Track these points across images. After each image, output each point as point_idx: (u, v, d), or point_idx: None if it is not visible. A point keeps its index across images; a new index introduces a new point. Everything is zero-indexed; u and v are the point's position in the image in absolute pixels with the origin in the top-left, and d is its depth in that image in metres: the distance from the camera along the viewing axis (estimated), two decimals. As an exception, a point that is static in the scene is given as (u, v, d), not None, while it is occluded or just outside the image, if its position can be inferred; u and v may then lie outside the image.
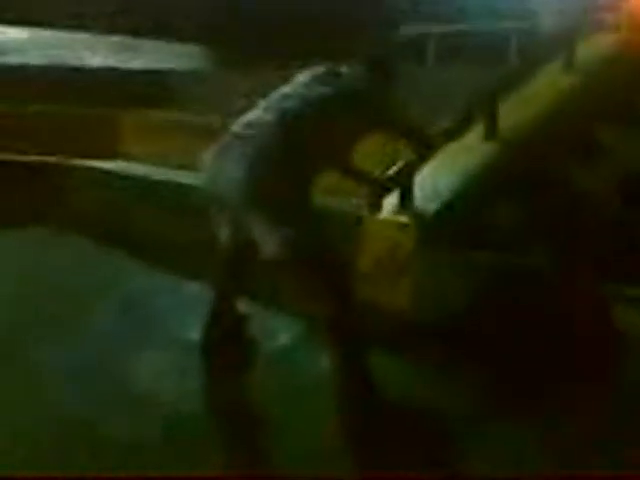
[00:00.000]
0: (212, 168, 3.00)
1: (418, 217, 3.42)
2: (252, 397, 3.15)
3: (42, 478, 2.38)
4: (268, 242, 2.83)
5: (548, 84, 4.13)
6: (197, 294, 3.84)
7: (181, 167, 5.22)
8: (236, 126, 3.00)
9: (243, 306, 3.38)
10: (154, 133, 6.23)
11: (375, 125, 3.19)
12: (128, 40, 8.32)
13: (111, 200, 5.38)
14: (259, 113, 3.00)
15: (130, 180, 5.49)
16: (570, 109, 3.99)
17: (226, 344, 3.31)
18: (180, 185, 4.89)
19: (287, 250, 2.80)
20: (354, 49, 3.35)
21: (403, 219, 3.42)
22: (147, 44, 8.30)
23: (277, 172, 2.85)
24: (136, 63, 7.85)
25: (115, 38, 8.33)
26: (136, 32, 8.25)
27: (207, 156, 3.01)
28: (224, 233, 3.14)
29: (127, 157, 6.09)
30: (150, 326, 3.73)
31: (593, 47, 4.30)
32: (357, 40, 5.93)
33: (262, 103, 3.05)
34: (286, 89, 3.08)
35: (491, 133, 3.83)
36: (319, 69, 3.16)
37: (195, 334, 3.36)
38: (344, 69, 3.18)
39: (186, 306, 3.94)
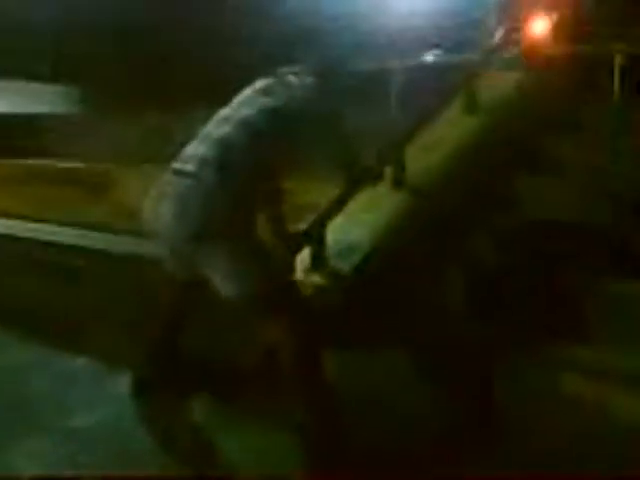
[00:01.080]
0: (153, 208, 2.86)
1: (332, 277, 3.16)
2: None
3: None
4: (223, 281, 2.73)
5: (450, 126, 3.97)
6: (79, 369, 3.48)
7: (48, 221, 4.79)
8: (175, 162, 2.86)
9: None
10: (18, 183, 5.74)
11: (318, 141, 2.97)
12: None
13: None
14: (196, 145, 2.87)
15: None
16: (474, 154, 3.85)
17: (159, 389, 3.14)
18: (63, 245, 4.42)
19: (245, 287, 2.71)
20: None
21: (316, 279, 3.14)
22: (10, 86, 7.76)
23: (218, 208, 2.72)
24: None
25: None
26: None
27: (150, 195, 2.88)
28: (168, 274, 2.99)
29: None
30: (24, 410, 3.27)
31: (494, 87, 4.18)
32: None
33: (201, 132, 2.91)
34: (224, 111, 2.94)
35: (399, 181, 3.63)
36: (263, 81, 3.01)
37: (79, 420, 3.05)
38: (290, 79, 2.99)
39: (66, 385, 3.50)
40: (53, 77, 7.80)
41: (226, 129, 2.83)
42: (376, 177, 3.45)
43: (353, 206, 3.42)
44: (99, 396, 3.35)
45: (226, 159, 2.75)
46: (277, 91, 2.94)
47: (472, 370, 3.14)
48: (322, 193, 3.51)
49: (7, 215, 5.40)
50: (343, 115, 3.07)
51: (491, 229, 3.65)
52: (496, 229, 3.65)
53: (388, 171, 3.62)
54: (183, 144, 2.97)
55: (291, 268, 3.15)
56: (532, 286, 3.38)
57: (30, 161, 6.13)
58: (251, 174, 2.78)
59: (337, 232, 3.33)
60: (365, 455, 2.67)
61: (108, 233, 4.82)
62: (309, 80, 3.00)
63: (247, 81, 3.06)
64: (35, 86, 7.75)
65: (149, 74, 7.50)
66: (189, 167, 2.78)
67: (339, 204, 3.30)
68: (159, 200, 2.83)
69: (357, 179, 3.30)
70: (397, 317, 3.27)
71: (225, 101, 3.00)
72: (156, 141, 5.77)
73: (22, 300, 4.33)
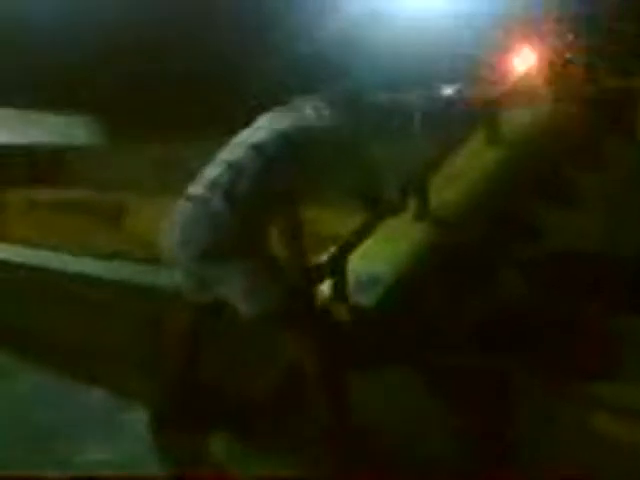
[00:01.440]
0: (167, 233, 2.87)
1: (353, 310, 3.09)
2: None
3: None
4: (240, 300, 2.72)
5: (473, 159, 3.91)
6: (97, 403, 3.40)
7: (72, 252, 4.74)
8: (191, 188, 2.86)
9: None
10: (42, 213, 5.73)
11: (333, 171, 2.95)
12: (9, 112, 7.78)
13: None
14: (209, 170, 2.86)
15: (12, 267, 4.90)
16: (497, 186, 3.78)
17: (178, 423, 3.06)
18: (77, 275, 4.37)
19: (263, 304, 2.70)
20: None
21: (336, 312, 3.08)
22: (34, 116, 7.78)
23: (224, 228, 2.72)
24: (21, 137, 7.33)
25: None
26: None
27: (165, 221, 2.89)
28: (186, 297, 2.95)
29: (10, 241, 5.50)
30: (40, 443, 3.20)
31: (517, 118, 4.13)
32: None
33: (217, 158, 2.90)
34: (240, 136, 2.94)
35: (422, 213, 3.57)
36: (281, 108, 3.00)
37: (92, 454, 2.99)
38: (308, 108, 2.96)
39: (80, 418, 3.43)
40: (69, 107, 7.82)
41: (238, 153, 2.83)
42: (399, 208, 3.41)
43: (375, 237, 3.35)
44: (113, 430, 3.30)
45: (235, 183, 2.74)
46: (293, 118, 2.91)
47: (492, 404, 3.05)
48: (343, 223, 3.47)
49: (25, 244, 5.39)
50: (362, 146, 3.03)
51: (515, 261, 3.58)
52: (520, 261, 3.58)
53: (411, 202, 3.56)
54: (198, 174, 2.94)
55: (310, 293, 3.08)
56: (557, 319, 3.30)
57: (48, 190, 6.12)
58: (260, 199, 2.77)
59: (359, 264, 3.26)
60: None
61: (123, 262, 4.78)
62: (326, 110, 2.96)
63: (264, 109, 3.04)
64: (52, 117, 7.78)
65: (163, 103, 7.50)
66: (199, 190, 2.79)
67: (361, 235, 3.24)
68: (171, 226, 2.85)
69: (380, 210, 3.27)
70: (419, 350, 3.20)
71: (241, 129, 2.98)
72: (171, 171, 5.77)
73: (36, 329, 4.28)
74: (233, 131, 2.99)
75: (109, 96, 7.57)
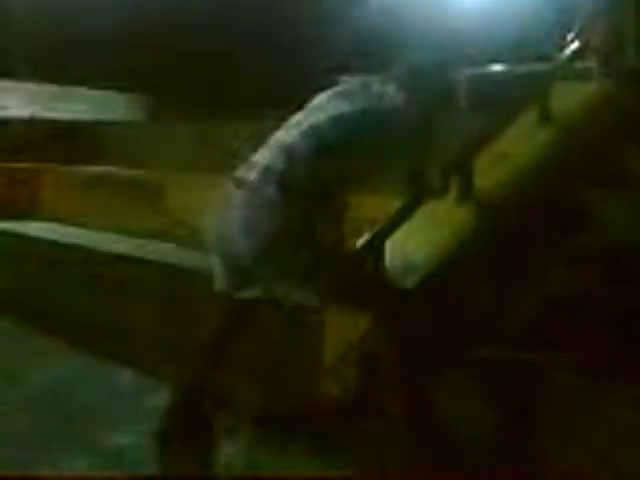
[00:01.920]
0: (217, 224, 2.74)
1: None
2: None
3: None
4: (303, 289, 2.59)
5: (523, 139, 3.69)
6: (129, 384, 3.31)
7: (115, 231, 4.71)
8: (239, 170, 2.72)
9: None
10: (80, 190, 5.70)
11: (397, 154, 2.78)
12: (54, 88, 7.79)
13: (26, 271, 4.74)
14: (262, 152, 2.71)
15: (50, 246, 4.88)
16: (551, 168, 3.55)
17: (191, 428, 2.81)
18: (115, 256, 4.32)
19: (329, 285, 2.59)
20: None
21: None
22: (75, 91, 7.79)
23: (282, 224, 2.56)
24: (62, 113, 7.34)
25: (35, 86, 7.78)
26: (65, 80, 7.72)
27: (214, 208, 2.77)
28: (225, 294, 2.76)
29: (48, 218, 5.49)
30: (73, 424, 3.15)
31: (571, 96, 3.89)
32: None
33: (271, 138, 2.75)
34: (296, 117, 2.76)
35: (465, 195, 3.37)
36: (342, 86, 2.82)
37: (120, 436, 2.96)
38: (372, 86, 2.78)
39: (116, 400, 3.38)
40: (115, 85, 7.81)
41: (294, 136, 2.65)
42: (441, 191, 3.23)
43: (414, 222, 3.18)
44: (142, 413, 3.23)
45: (290, 169, 2.57)
46: (356, 97, 2.72)
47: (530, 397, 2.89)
48: (377, 206, 3.33)
49: (66, 222, 5.38)
50: (424, 128, 2.86)
51: (565, 249, 3.37)
52: (570, 249, 3.37)
53: (454, 184, 3.38)
54: (242, 153, 2.82)
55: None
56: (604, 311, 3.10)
57: (92, 168, 6.09)
58: (317, 186, 2.59)
59: (396, 250, 3.09)
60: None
61: (164, 243, 4.73)
62: (392, 89, 2.78)
63: (319, 89, 2.87)
64: (97, 93, 7.78)
65: (212, 80, 7.42)
66: (251, 176, 2.63)
67: (399, 220, 3.07)
68: (224, 214, 2.70)
69: (421, 193, 3.10)
70: (459, 339, 3.04)
71: (293, 110, 2.81)
72: (208, 149, 5.69)
73: (70, 310, 4.25)
74: (277, 110, 2.86)
75: (148, 74, 7.55)
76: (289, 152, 2.60)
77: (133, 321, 3.92)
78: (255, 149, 2.76)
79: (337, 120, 2.64)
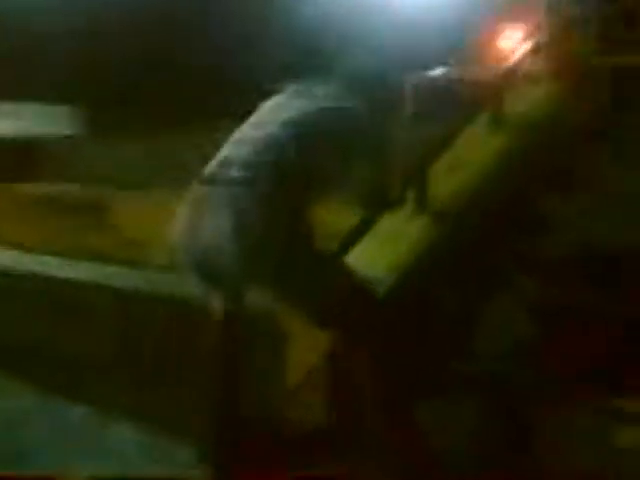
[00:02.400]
0: (190, 229, 2.48)
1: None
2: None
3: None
4: (294, 300, 2.47)
5: (475, 146, 3.66)
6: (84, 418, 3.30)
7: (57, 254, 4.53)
8: (211, 168, 2.52)
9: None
10: (21, 209, 5.50)
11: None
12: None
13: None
14: (232, 149, 2.53)
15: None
16: (506, 174, 3.53)
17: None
18: (62, 280, 4.14)
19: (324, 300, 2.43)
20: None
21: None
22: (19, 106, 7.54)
23: (278, 217, 2.38)
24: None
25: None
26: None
27: (180, 215, 2.51)
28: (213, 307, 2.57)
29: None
30: (23, 462, 3.02)
31: (521, 101, 3.87)
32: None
33: (231, 139, 2.58)
34: (258, 116, 2.62)
35: (421, 205, 3.32)
36: (294, 87, 2.69)
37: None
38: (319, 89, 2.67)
39: (70, 435, 3.23)
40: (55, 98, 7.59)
41: (270, 130, 2.49)
42: (398, 201, 3.17)
43: (372, 236, 3.12)
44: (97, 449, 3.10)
45: (278, 160, 2.42)
46: (309, 98, 2.62)
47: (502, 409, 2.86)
48: (337, 221, 3.25)
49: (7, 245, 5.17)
50: (379, 135, 2.74)
51: (523, 256, 3.34)
52: (528, 256, 3.34)
53: (409, 195, 3.32)
54: (190, 166, 2.67)
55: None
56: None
57: (33, 185, 5.89)
58: (306, 177, 2.46)
59: (357, 264, 3.01)
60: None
61: (115, 266, 4.57)
62: (337, 92, 2.67)
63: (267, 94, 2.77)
64: (36, 107, 7.53)
65: (148, 94, 7.28)
66: (234, 173, 2.43)
67: (357, 234, 3.00)
68: (198, 217, 2.46)
69: (378, 204, 3.02)
70: (422, 355, 2.98)
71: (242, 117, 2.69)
72: (157, 164, 5.54)
73: (17, 339, 4.06)
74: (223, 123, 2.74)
75: (93, 87, 7.35)
76: (272, 143, 2.45)
77: (86, 350, 3.76)
78: (206, 160, 2.59)
79: (308, 116, 2.54)
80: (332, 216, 3.15)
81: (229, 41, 7.78)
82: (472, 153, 3.59)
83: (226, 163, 2.49)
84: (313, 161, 2.48)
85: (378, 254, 3.13)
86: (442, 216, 3.30)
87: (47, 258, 4.65)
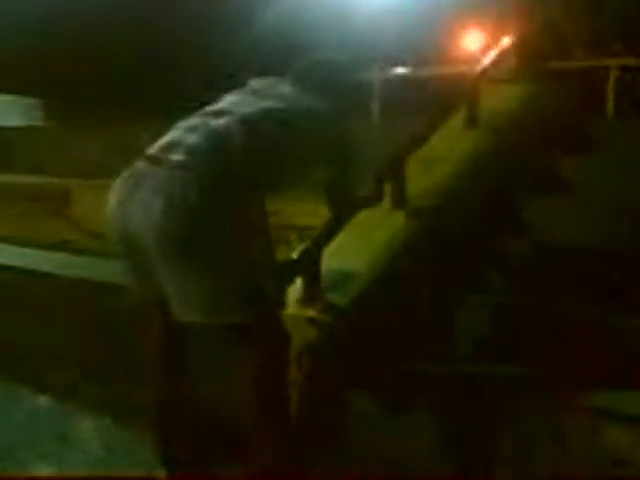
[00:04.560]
0: (122, 202, 2.38)
1: (327, 310, 2.77)
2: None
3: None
4: (193, 300, 2.34)
5: (452, 142, 3.62)
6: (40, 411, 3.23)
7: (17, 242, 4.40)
8: (152, 149, 2.45)
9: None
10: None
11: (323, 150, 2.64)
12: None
13: None
14: (180, 134, 2.45)
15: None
16: (482, 172, 3.49)
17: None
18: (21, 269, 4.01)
19: (227, 310, 2.35)
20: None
21: (310, 312, 2.76)
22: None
23: (214, 202, 2.30)
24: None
25: None
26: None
27: (115, 188, 2.42)
28: (144, 290, 2.52)
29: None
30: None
31: (495, 99, 3.85)
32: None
33: (182, 124, 2.52)
34: (214, 107, 2.57)
35: (399, 202, 3.27)
36: (257, 83, 2.68)
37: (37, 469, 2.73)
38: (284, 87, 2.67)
39: (25, 429, 3.12)
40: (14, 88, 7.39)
41: (223, 122, 2.45)
42: (375, 199, 3.12)
43: (349, 230, 3.04)
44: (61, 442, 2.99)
45: (226, 150, 2.37)
46: (272, 97, 2.59)
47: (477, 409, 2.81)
48: (300, 213, 3.17)
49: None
50: (344, 133, 2.72)
51: (499, 253, 3.31)
52: (504, 253, 3.31)
53: (387, 190, 3.26)
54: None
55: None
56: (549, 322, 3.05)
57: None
58: (252, 174, 2.41)
59: (331, 260, 2.94)
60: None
61: (73, 254, 4.44)
62: (297, 89, 2.67)
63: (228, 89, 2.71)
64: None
65: (111, 86, 7.14)
66: (176, 156, 2.36)
67: (334, 228, 2.93)
68: (131, 192, 2.36)
69: (355, 201, 2.98)
70: (398, 352, 2.93)
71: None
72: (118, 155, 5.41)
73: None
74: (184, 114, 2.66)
75: (54, 78, 7.17)
76: (222, 135, 2.41)
77: (45, 340, 3.64)
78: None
79: (267, 113, 2.50)
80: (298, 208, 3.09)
81: (195, 35, 7.68)
82: (447, 151, 3.55)
83: (170, 146, 2.43)
84: (262, 160, 2.44)
85: (355, 247, 3.07)
86: (419, 211, 3.24)
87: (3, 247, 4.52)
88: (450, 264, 3.13)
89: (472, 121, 3.70)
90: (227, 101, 2.62)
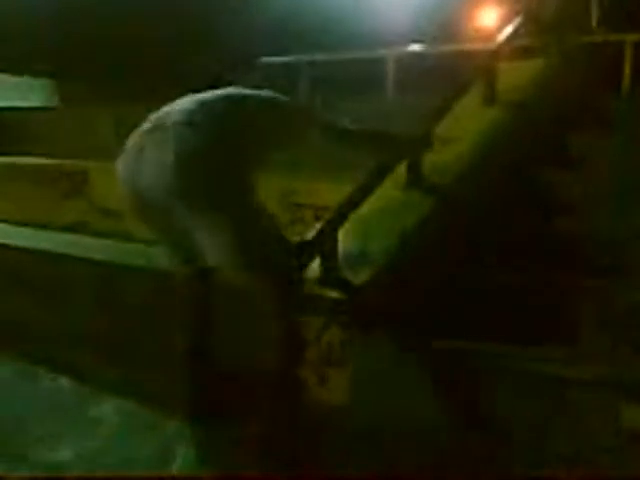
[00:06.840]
0: (130, 167, 2.54)
1: (345, 290, 2.79)
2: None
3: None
4: (210, 246, 2.48)
5: (468, 119, 3.59)
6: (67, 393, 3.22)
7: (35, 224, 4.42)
8: (153, 117, 2.59)
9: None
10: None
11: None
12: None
13: None
14: (172, 105, 2.62)
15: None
16: (497, 148, 3.47)
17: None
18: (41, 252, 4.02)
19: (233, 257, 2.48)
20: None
21: (331, 294, 2.77)
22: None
23: (217, 154, 2.48)
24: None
25: None
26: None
27: (121, 159, 2.58)
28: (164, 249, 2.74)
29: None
30: (4, 438, 2.94)
31: (515, 75, 3.80)
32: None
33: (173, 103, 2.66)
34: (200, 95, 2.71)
35: (415, 180, 3.26)
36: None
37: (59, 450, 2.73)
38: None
39: (53, 410, 3.14)
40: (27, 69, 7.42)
41: (209, 96, 2.64)
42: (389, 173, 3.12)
43: (366, 209, 3.05)
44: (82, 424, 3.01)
45: (219, 113, 2.57)
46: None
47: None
48: (319, 194, 3.17)
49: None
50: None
51: (516, 232, 3.30)
52: (522, 233, 3.30)
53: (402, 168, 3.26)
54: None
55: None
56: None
57: (7, 157, 5.72)
58: (243, 137, 2.58)
59: (348, 239, 2.96)
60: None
61: (93, 237, 4.45)
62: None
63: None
64: (12, 79, 7.35)
65: (128, 63, 7.15)
66: (176, 117, 2.50)
67: (350, 207, 2.93)
68: (137, 156, 2.51)
69: (370, 178, 2.98)
70: (414, 330, 2.93)
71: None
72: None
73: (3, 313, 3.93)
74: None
75: (64, 59, 7.20)
76: (211, 104, 2.60)
77: (68, 323, 3.65)
78: None
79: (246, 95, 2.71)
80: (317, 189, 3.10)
81: (205, 16, 7.68)
82: (464, 127, 3.53)
83: (166, 113, 2.57)
84: (253, 129, 2.61)
85: (372, 226, 3.07)
86: (435, 190, 3.24)
87: (22, 229, 4.54)
88: (465, 243, 3.13)
89: (490, 99, 3.67)
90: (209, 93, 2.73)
